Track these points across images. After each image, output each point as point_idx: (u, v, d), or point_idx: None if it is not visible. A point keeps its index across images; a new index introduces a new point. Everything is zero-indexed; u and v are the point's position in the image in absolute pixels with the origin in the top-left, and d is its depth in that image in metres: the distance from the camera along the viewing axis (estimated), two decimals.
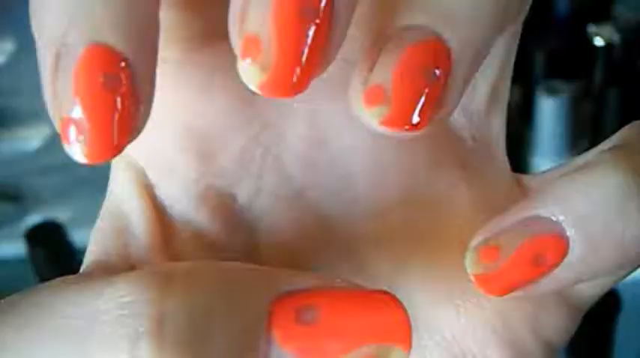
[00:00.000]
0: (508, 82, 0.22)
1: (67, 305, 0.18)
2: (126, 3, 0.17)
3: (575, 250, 0.20)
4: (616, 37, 0.65)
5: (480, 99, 0.22)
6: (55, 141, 0.70)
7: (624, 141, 0.21)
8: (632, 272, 0.22)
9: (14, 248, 0.72)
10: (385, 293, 0.18)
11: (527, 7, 0.20)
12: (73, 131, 0.17)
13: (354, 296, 0.18)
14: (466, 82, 0.19)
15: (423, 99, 0.18)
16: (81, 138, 0.17)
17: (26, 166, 0.72)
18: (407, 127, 0.18)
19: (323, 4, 0.17)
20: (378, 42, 0.19)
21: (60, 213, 0.73)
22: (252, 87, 0.17)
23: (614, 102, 0.67)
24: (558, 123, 0.71)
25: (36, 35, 0.18)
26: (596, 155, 0.21)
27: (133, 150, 0.21)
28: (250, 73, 0.17)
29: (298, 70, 0.17)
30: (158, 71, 0.18)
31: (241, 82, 0.19)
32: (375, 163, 0.22)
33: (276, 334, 0.17)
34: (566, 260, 0.20)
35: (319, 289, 0.18)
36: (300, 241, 0.22)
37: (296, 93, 0.18)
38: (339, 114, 0.22)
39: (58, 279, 0.19)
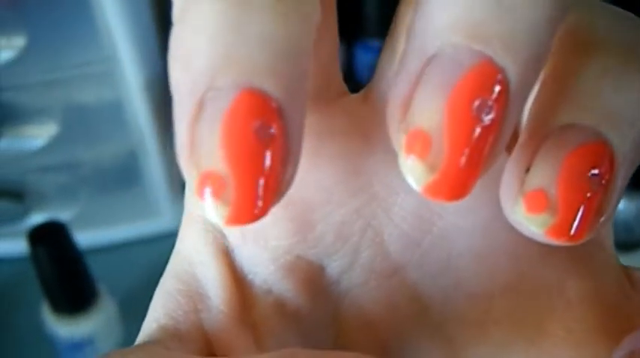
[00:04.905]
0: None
1: None
2: (287, 47, 0.15)
3: None
4: None
5: None
6: (60, 140, 0.69)
7: None
8: None
9: (16, 246, 0.71)
10: None
11: None
12: (212, 188, 0.15)
13: None
14: (625, 184, 0.18)
15: (586, 206, 0.17)
16: (223, 196, 0.15)
17: (30, 164, 0.71)
18: (569, 237, 0.17)
19: (497, 100, 0.15)
20: (535, 139, 0.17)
21: (63, 213, 0.72)
22: (416, 187, 0.16)
23: None
24: None
25: (177, 80, 0.16)
26: None
27: None
28: (415, 172, 0.16)
29: (468, 172, 0.16)
30: None
31: (349, 153, 0.17)
32: (484, 247, 0.20)
33: None
34: None
35: None
36: (387, 320, 0.21)
37: (462, 197, 0.16)
38: None
39: (143, 349, 0.18)
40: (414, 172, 0.16)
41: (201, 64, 0.15)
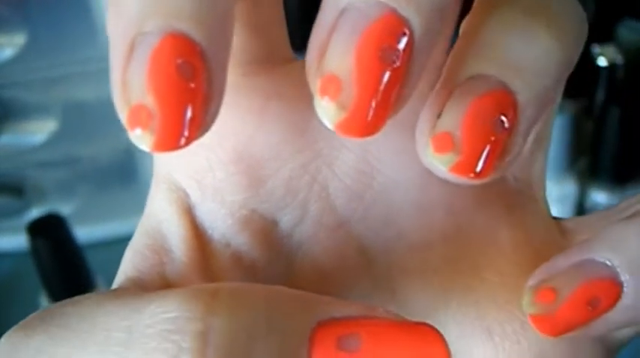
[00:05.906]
0: (550, 126, 0.23)
1: (109, 317, 0.18)
2: None
3: (629, 295, 0.20)
4: (619, 58, 0.66)
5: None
6: (60, 136, 0.70)
7: None
8: None
9: (16, 241, 0.72)
10: (427, 325, 0.18)
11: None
12: (141, 119, 0.17)
13: (397, 327, 0.17)
14: (529, 131, 0.19)
15: (490, 147, 0.18)
16: (150, 126, 0.17)
17: (30, 160, 0.72)
18: (474, 174, 0.19)
19: (403, 47, 0.17)
20: (446, 88, 0.19)
21: (62, 208, 0.74)
22: (329, 125, 0.18)
23: (615, 121, 0.68)
24: (560, 140, 0.71)
25: (112, 25, 0.17)
26: None
27: (179, 171, 0.21)
28: (328, 111, 0.17)
29: (376, 112, 0.17)
30: None
31: (294, 113, 0.19)
32: (421, 201, 0.22)
33: None
34: (619, 304, 0.20)
35: (362, 318, 0.17)
36: (336, 270, 0.22)
37: (371, 134, 0.18)
38: (389, 149, 0.22)
39: (100, 292, 0.19)
40: (327, 112, 0.17)
41: (132, 11, 0.17)
